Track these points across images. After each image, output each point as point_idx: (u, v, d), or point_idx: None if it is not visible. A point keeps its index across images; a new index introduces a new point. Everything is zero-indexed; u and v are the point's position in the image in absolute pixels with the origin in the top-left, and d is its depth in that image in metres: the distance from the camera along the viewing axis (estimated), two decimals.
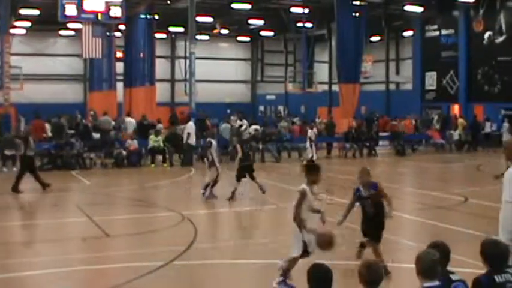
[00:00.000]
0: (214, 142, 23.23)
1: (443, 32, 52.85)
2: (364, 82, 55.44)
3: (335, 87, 56.14)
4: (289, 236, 16.76)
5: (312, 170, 11.87)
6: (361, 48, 47.44)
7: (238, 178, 22.20)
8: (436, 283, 6.34)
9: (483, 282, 6.77)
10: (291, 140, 38.90)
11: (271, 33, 71.59)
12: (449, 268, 7.06)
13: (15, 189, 23.79)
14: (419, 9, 51.29)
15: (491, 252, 6.98)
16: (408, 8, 51.33)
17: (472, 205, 21.07)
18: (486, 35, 48.78)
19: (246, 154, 23.07)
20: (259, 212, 20.62)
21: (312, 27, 62.05)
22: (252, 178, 22.49)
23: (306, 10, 54.69)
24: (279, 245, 15.25)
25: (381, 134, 43.23)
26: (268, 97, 75.77)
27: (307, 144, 33.08)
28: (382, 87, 62.89)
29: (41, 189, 24.20)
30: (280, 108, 70.69)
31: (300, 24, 60.34)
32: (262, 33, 71.72)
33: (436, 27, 53.61)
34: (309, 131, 34.04)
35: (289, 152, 37.26)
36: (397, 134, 42.21)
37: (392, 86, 63.88)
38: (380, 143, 41.74)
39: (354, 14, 45.56)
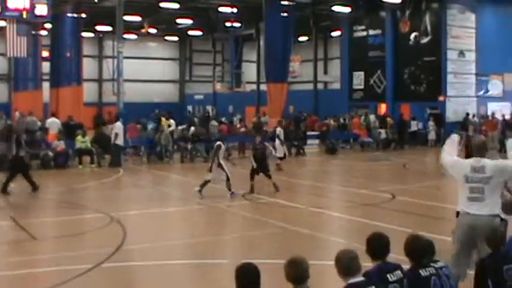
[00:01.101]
0: (223, 146, 23.17)
1: (371, 32, 53.43)
2: (292, 82, 55.82)
3: (263, 87, 56.30)
4: (217, 236, 16.82)
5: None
6: (289, 48, 47.67)
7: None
8: (360, 278, 6.39)
9: (409, 277, 6.88)
10: (220, 139, 38.70)
11: (199, 33, 71.52)
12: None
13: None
14: (347, 9, 51.78)
15: (415, 247, 7.16)
16: (336, 8, 51.80)
17: (399, 202, 21.32)
18: (412, 35, 49.53)
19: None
20: (189, 212, 20.53)
21: (240, 27, 62.22)
22: None
23: (235, 10, 54.76)
24: (207, 245, 15.24)
25: (309, 133, 43.46)
26: (196, 97, 75.63)
27: (277, 142, 32.93)
28: (310, 86, 63.25)
29: (31, 190, 23.63)
30: (209, 108, 70.60)
31: (228, 24, 60.51)
32: (191, 32, 71.60)
33: (363, 27, 54.14)
34: (278, 128, 33.99)
35: None
36: (326, 132, 42.55)
37: (320, 86, 64.34)
38: (308, 142, 41.95)
39: (282, 14, 45.75)
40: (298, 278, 6.23)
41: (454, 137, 10.19)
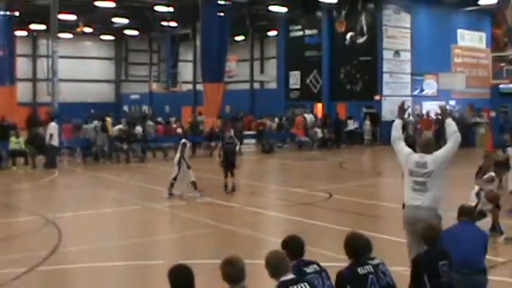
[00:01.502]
0: (188, 144, 23.12)
1: (307, 32, 53.64)
2: (229, 81, 55.81)
3: (200, 87, 56.14)
4: (154, 237, 16.69)
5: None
6: (226, 47, 47.60)
7: None
8: (291, 276, 6.39)
9: (346, 275, 6.96)
10: (156, 140, 38.47)
11: (135, 32, 71.10)
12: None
13: None
14: (283, 9, 51.87)
15: (353, 245, 7.24)
16: (272, 8, 51.84)
17: (335, 201, 21.42)
18: (348, 35, 49.86)
19: None
20: (124, 213, 20.33)
21: (176, 27, 62.06)
22: None
23: (171, 9, 54.52)
24: (143, 246, 15.11)
25: (246, 132, 43.48)
26: (132, 96, 75.22)
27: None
28: (247, 86, 63.35)
29: None
30: (145, 107, 70.22)
31: (164, 24, 60.24)
32: (127, 32, 71.13)
33: (300, 27, 54.34)
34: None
35: (154, 152, 36.91)
36: (263, 132, 42.63)
37: (256, 85, 64.48)
38: (245, 141, 41.93)
39: (218, 13, 45.63)
40: (234, 278, 6.19)
41: (397, 123, 10.56)
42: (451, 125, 9.95)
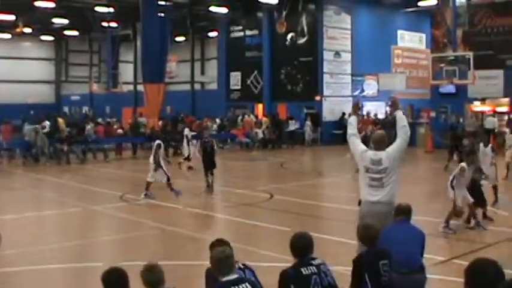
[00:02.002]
0: (163, 145, 23.16)
1: (248, 32, 53.74)
2: (170, 82, 55.54)
3: (140, 87, 55.79)
4: (94, 239, 16.55)
5: None
6: (166, 48, 47.37)
7: None
8: (234, 276, 6.38)
9: (290, 275, 6.96)
10: (97, 141, 38.11)
11: (75, 33, 70.30)
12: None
13: None
14: (224, 10, 51.84)
15: (299, 244, 7.25)
16: (213, 8, 51.76)
17: (277, 201, 21.46)
18: (289, 36, 50.07)
19: None
20: (65, 215, 20.10)
21: (117, 27, 61.56)
22: None
23: (111, 9, 54.08)
24: (83, 248, 14.98)
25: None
26: (73, 97, 74.50)
27: (184, 142, 32.74)
28: (188, 87, 63.15)
29: None
30: (85, 108, 69.57)
31: (105, 24, 59.67)
32: (67, 32, 70.31)
33: (240, 28, 54.41)
34: (186, 129, 33.70)
35: (94, 153, 36.59)
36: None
37: (197, 86, 64.33)
38: None
39: (159, 14, 45.40)
40: (152, 284, 6.31)
41: (352, 120, 10.58)
42: (401, 120, 10.07)
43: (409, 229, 9.13)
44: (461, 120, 39.49)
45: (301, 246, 7.25)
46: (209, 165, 23.59)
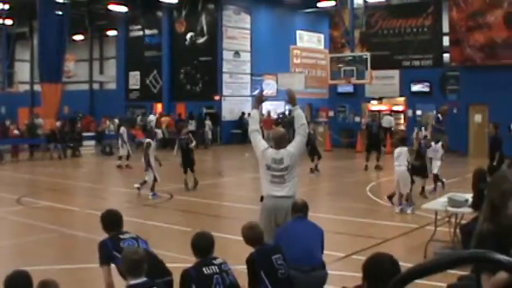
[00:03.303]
0: (153, 143, 22.86)
1: (147, 32, 53.48)
2: (67, 82, 54.71)
3: (37, 87, 54.76)
4: (17, 240, 16.11)
5: None
6: (64, 47, 46.62)
7: None
8: (143, 279, 6.29)
9: (191, 274, 6.98)
10: None
11: None
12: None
13: None
14: (123, 8, 51.30)
15: (200, 243, 7.30)
16: (112, 7, 51.15)
17: (177, 201, 21.38)
18: (188, 35, 50.02)
19: None
20: None
21: (12, 25, 60.14)
22: None
23: (6, 6, 52.79)
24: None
25: (85, 134, 42.75)
26: None
27: (119, 142, 32.30)
28: (86, 86, 62.27)
29: None
30: None
31: None
32: None
33: (139, 27, 54.10)
34: (121, 128, 33.15)
35: None
36: (103, 133, 42.07)
37: (96, 86, 63.49)
38: (84, 143, 41.19)
39: (56, 11, 44.62)
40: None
41: (254, 114, 10.69)
42: (299, 117, 10.15)
43: (307, 226, 9.22)
44: (376, 118, 40.41)
45: (202, 245, 7.27)
46: (185, 163, 23.65)
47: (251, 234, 8.01)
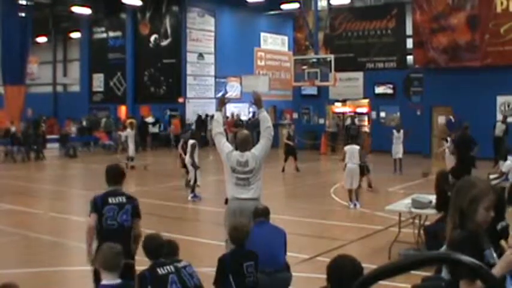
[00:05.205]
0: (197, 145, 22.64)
1: (111, 34, 53.32)
2: (31, 84, 54.33)
3: (0, 90, 54.34)
4: None
5: None
6: (27, 49, 46.36)
7: None
8: (118, 281, 6.32)
9: (147, 276, 7.07)
10: None
11: None
12: None
13: None
14: (87, 10, 51.03)
15: (150, 246, 7.43)
16: (75, 9, 50.86)
17: (140, 204, 21.22)
18: (152, 38, 49.93)
19: None
20: None
21: None
22: None
23: None
24: None
25: (48, 136, 42.44)
26: None
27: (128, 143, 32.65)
28: (49, 89, 61.91)
29: None
30: None
31: None
32: None
33: (103, 29, 53.93)
34: (127, 130, 33.43)
35: None
36: (66, 136, 41.82)
37: (59, 88, 63.13)
38: (48, 145, 40.87)
39: (19, 13, 44.33)
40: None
41: (218, 116, 10.71)
42: (265, 120, 10.18)
43: (270, 229, 9.31)
44: (356, 120, 40.77)
45: (153, 247, 7.38)
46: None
47: (234, 235, 8.18)
